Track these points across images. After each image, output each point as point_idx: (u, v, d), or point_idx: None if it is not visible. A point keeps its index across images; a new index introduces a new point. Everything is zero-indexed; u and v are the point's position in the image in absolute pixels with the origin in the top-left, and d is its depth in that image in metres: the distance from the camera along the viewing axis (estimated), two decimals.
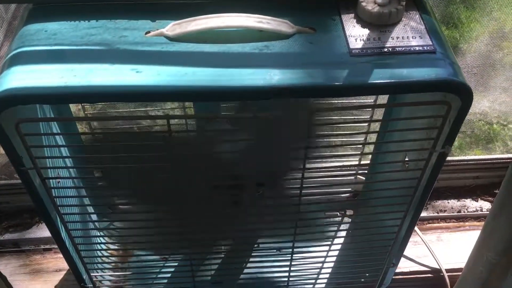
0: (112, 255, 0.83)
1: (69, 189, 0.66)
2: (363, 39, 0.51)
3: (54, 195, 0.58)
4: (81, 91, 0.47)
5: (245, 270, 0.81)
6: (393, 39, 0.51)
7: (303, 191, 0.61)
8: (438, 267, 0.92)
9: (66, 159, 0.66)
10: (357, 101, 0.73)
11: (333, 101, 0.67)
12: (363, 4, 0.52)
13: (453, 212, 1.01)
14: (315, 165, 0.72)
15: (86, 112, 0.76)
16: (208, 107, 0.68)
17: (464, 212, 1.01)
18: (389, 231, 0.69)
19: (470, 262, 0.82)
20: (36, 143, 0.54)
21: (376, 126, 0.85)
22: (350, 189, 0.88)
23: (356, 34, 0.51)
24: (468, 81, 0.49)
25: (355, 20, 0.53)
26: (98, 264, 0.79)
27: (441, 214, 1.01)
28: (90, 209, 0.77)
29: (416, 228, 0.94)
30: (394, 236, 0.69)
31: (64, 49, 0.50)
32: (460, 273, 0.86)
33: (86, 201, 0.75)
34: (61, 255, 0.67)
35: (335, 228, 0.81)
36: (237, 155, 0.59)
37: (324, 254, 0.76)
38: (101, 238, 0.82)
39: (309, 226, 0.71)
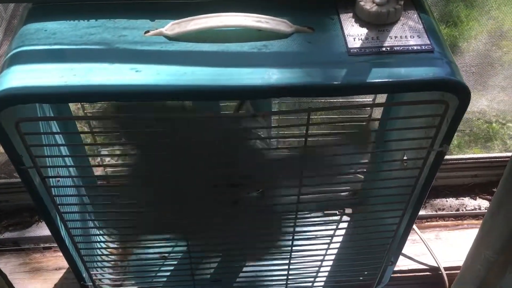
0: (111, 254, 0.83)
1: (69, 187, 0.66)
2: (361, 39, 0.51)
3: (54, 193, 0.58)
4: (80, 90, 0.47)
5: (245, 269, 0.81)
6: (391, 38, 0.51)
7: (302, 190, 0.61)
8: (437, 265, 0.92)
9: (66, 158, 0.66)
10: (356, 100, 0.73)
11: (331, 100, 0.68)
12: (362, 3, 0.52)
13: (451, 211, 1.02)
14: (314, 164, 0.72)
15: (85, 111, 0.76)
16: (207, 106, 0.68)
17: (462, 210, 1.02)
18: (388, 230, 0.69)
19: (468, 260, 0.82)
20: (36, 142, 0.54)
21: (374, 125, 0.85)
22: (348, 187, 0.88)
23: (354, 34, 0.51)
24: (467, 80, 0.49)
25: (353, 20, 0.53)
26: (97, 263, 0.79)
27: (439, 212, 1.01)
28: (90, 208, 0.77)
29: (414, 226, 0.95)
30: (392, 235, 0.70)
31: (64, 49, 0.50)
32: (458, 271, 0.86)
33: (86, 199, 0.76)
34: (60, 254, 0.68)
35: (334, 227, 0.82)
36: (235, 154, 0.60)
37: (323, 252, 0.76)
38: (100, 237, 0.83)
39: (308, 225, 0.71)
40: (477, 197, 1.04)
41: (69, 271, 0.91)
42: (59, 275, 0.92)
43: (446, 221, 1.01)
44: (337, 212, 0.86)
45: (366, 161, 0.85)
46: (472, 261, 0.80)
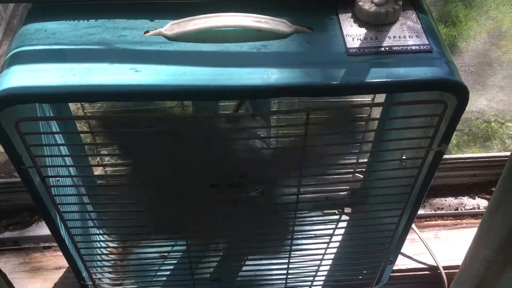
0: (111, 253, 0.83)
1: (69, 187, 0.66)
2: (360, 39, 0.51)
3: (53, 193, 0.58)
4: (80, 90, 0.47)
5: (244, 268, 0.81)
6: (390, 38, 0.51)
7: (301, 189, 0.61)
8: (436, 265, 0.92)
9: (66, 158, 0.66)
10: (355, 100, 0.73)
11: (330, 100, 0.68)
12: (360, 3, 0.52)
13: (450, 210, 1.02)
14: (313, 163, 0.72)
15: (85, 111, 0.76)
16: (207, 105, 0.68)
17: (461, 209, 1.02)
18: (387, 229, 0.69)
19: (467, 260, 0.82)
20: (36, 142, 0.54)
21: (373, 125, 0.85)
22: (348, 187, 0.88)
23: (353, 34, 0.52)
24: (466, 80, 0.49)
25: (352, 20, 0.53)
26: (97, 262, 0.79)
27: (438, 211, 1.02)
28: (90, 207, 0.77)
29: (413, 225, 0.95)
30: (391, 234, 0.70)
31: (64, 49, 0.50)
32: (457, 271, 0.87)
33: (86, 199, 0.76)
34: (60, 253, 0.68)
35: (333, 226, 0.82)
36: (234, 153, 0.60)
37: (322, 251, 0.76)
38: (100, 236, 0.83)
39: (307, 224, 0.71)
40: (476, 196, 1.04)
41: (69, 271, 0.91)
42: (59, 274, 0.92)
43: (445, 220, 1.01)
44: (336, 211, 0.86)
45: (365, 160, 0.85)
46: (471, 260, 0.80)
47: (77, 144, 0.73)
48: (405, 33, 0.52)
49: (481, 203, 1.03)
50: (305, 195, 0.63)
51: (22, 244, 0.96)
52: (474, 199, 1.04)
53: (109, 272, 0.81)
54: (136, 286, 0.82)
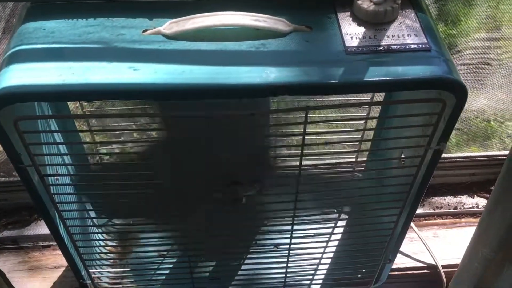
0: (110, 252, 0.83)
1: (68, 186, 0.66)
2: (359, 37, 0.51)
3: (52, 192, 0.58)
4: (79, 89, 0.47)
5: (243, 267, 0.81)
6: (389, 37, 0.51)
7: (300, 188, 0.61)
8: (434, 263, 0.92)
9: (65, 157, 0.66)
10: (354, 98, 0.74)
11: (330, 99, 0.68)
12: (359, 2, 0.52)
13: (449, 209, 1.02)
14: (312, 162, 0.72)
15: (84, 110, 0.76)
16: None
17: (460, 208, 1.02)
18: (385, 227, 0.69)
19: (466, 258, 0.82)
20: (35, 141, 0.54)
21: (372, 124, 0.85)
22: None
23: (352, 32, 0.52)
24: (465, 79, 0.49)
25: (351, 19, 0.53)
26: (96, 261, 0.79)
27: (437, 210, 1.02)
28: (89, 206, 0.77)
29: (412, 224, 0.95)
30: (390, 232, 0.70)
31: (62, 47, 0.50)
32: (456, 269, 0.87)
33: (85, 198, 0.76)
34: (59, 252, 0.68)
35: (332, 225, 0.82)
36: (233, 152, 0.60)
37: (321, 250, 0.76)
38: (99, 235, 0.83)
39: (306, 223, 0.71)
40: (475, 195, 1.04)
41: (68, 269, 0.91)
42: (58, 273, 0.92)
43: (444, 219, 1.01)
44: (335, 210, 0.86)
45: (364, 159, 0.85)
46: (469, 259, 0.80)
47: (76, 142, 0.73)
48: (403, 32, 0.52)
49: (480, 202, 1.03)
50: (304, 194, 0.63)
51: (21, 243, 0.96)
52: (473, 198, 1.04)
53: (108, 271, 0.81)
54: (135, 285, 0.82)
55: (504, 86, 1.03)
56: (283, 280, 0.81)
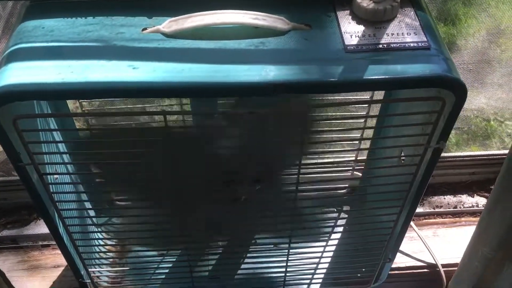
0: (110, 251, 0.83)
1: (67, 185, 0.66)
2: (358, 36, 0.51)
3: (51, 191, 0.58)
4: (78, 87, 0.47)
5: (243, 266, 0.81)
6: (388, 35, 0.51)
7: (299, 187, 0.61)
8: (434, 262, 0.92)
9: (64, 155, 0.66)
10: (353, 97, 0.73)
11: (329, 97, 0.68)
12: (358, 0, 0.52)
13: (449, 208, 1.02)
14: (311, 161, 0.72)
15: (83, 109, 0.76)
16: (205, 103, 0.68)
17: (460, 207, 1.02)
18: (385, 226, 0.69)
19: (465, 257, 0.82)
20: (34, 139, 0.54)
21: (372, 122, 0.85)
22: (347, 185, 0.88)
23: (351, 31, 0.52)
24: (465, 78, 0.49)
25: (350, 17, 0.53)
26: (96, 260, 0.79)
27: (437, 209, 1.02)
28: (88, 205, 0.77)
29: (412, 223, 0.95)
30: (390, 231, 0.70)
31: (61, 46, 0.50)
32: (456, 268, 0.87)
33: (84, 197, 0.76)
34: (59, 251, 0.68)
35: (332, 224, 0.82)
36: (233, 151, 0.60)
37: (321, 249, 0.76)
38: (99, 234, 0.83)
39: (305, 222, 0.71)
40: (475, 194, 1.04)
41: (67, 269, 0.91)
42: (57, 272, 0.92)
43: (444, 218, 1.01)
44: (335, 209, 0.86)
45: (364, 158, 0.85)
46: (469, 258, 0.80)
47: (75, 141, 0.73)
48: (403, 30, 0.52)
49: (479, 201, 1.03)
50: (304, 193, 0.63)
51: (20, 243, 0.96)
52: (473, 197, 1.04)
53: (108, 270, 0.81)
54: (134, 284, 0.82)
55: (504, 85, 1.02)
56: (282, 279, 0.81)
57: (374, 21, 0.52)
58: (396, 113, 0.70)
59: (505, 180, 0.67)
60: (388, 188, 0.63)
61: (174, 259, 0.81)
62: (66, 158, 0.66)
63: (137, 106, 0.85)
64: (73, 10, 0.53)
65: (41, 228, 0.96)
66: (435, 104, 0.52)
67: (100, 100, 0.78)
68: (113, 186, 0.73)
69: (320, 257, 0.78)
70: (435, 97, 0.51)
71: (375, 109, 0.84)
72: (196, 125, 0.67)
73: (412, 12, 0.53)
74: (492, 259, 0.75)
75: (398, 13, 0.53)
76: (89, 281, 0.75)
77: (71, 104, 0.83)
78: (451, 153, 1.03)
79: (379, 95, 0.76)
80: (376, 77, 0.48)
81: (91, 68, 0.48)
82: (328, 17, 0.53)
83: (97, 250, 0.81)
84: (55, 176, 0.61)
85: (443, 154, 0.57)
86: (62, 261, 0.81)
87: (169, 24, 0.51)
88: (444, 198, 1.03)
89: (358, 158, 0.84)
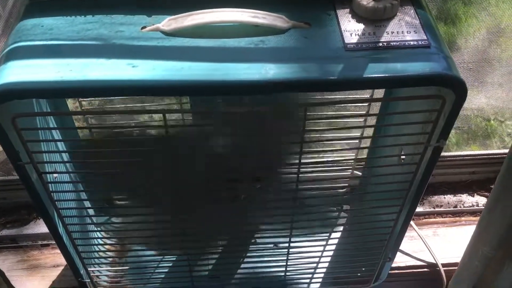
0: (109, 250, 0.83)
1: (66, 184, 0.66)
2: (358, 34, 0.51)
3: (51, 190, 0.58)
4: (77, 85, 0.47)
5: (243, 265, 0.81)
6: (388, 33, 0.51)
7: (299, 186, 0.61)
8: (434, 262, 0.92)
9: (63, 154, 0.66)
10: (353, 96, 0.73)
11: (329, 96, 0.68)
12: None
13: (449, 207, 1.02)
14: (311, 159, 0.72)
15: (83, 108, 0.76)
16: (204, 102, 0.68)
17: (460, 207, 1.02)
18: (385, 226, 0.69)
19: (466, 257, 0.82)
20: (33, 138, 0.54)
21: (372, 121, 0.85)
22: (346, 184, 0.88)
23: (351, 29, 0.51)
24: (465, 77, 0.49)
25: (350, 15, 0.53)
26: (95, 259, 0.79)
27: (437, 209, 1.02)
28: (88, 204, 0.77)
29: (412, 223, 0.95)
30: (390, 231, 0.70)
31: (60, 44, 0.50)
32: (456, 268, 0.87)
33: (83, 196, 0.76)
34: (58, 251, 0.68)
35: (332, 223, 0.82)
36: (232, 149, 0.60)
37: (321, 248, 0.76)
38: (98, 233, 0.83)
39: (305, 221, 0.71)
40: (475, 193, 1.04)
41: (67, 268, 0.91)
42: (57, 272, 0.92)
43: (444, 217, 1.01)
44: (335, 208, 0.86)
45: (364, 156, 0.85)
46: (469, 257, 0.80)
47: (75, 139, 0.73)
48: (403, 29, 0.51)
49: (480, 201, 1.03)
50: (304, 192, 0.63)
51: (20, 242, 0.96)
52: (473, 196, 1.03)
53: (107, 270, 0.81)
54: (134, 283, 0.82)
55: (504, 84, 1.02)
56: (282, 279, 0.81)
57: (374, 19, 0.52)
58: (396, 112, 0.69)
59: (505, 180, 0.67)
60: (388, 187, 0.63)
61: (174, 259, 0.81)
62: (65, 157, 0.66)
63: (136, 105, 0.85)
64: (73, 8, 0.53)
65: (41, 227, 0.96)
66: (435, 102, 0.52)
67: (100, 99, 0.78)
68: (113, 186, 0.73)
69: (320, 256, 0.78)
70: (435, 96, 0.51)
71: (375, 108, 0.84)
72: (195, 124, 0.67)
73: (412, 11, 0.53)
74: (492, 258, 0.75)
75: (398, 11, 0.53)
76: (89, 280, 0.74)
77: (71, 104, 0.82)
78: (451, 152, 1.03)
79: (379, 93, 0.76)
80: (376, 75, 0.48)
81: (90, 66, 0.48)
82: (328, 16, 0.53)
83: (97, 249, 0.81)
84: (55, 175, 0.61)
85: (443, 154, 0.57)
86: (62, 260, 0.81)
87: (168, 22, 0.51)
88: (444, 198, 1.03)
89: (358, 157, 0.84)
